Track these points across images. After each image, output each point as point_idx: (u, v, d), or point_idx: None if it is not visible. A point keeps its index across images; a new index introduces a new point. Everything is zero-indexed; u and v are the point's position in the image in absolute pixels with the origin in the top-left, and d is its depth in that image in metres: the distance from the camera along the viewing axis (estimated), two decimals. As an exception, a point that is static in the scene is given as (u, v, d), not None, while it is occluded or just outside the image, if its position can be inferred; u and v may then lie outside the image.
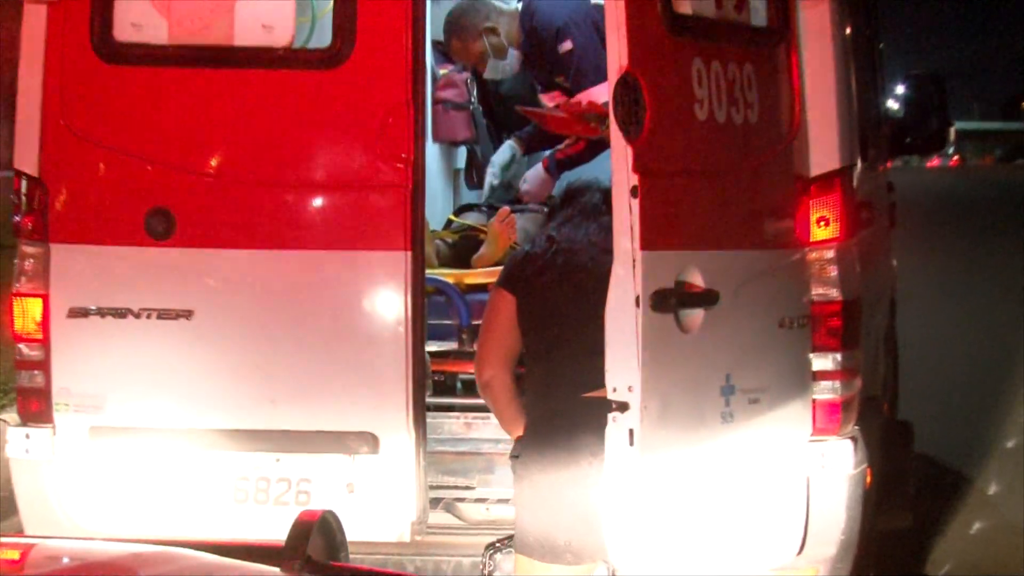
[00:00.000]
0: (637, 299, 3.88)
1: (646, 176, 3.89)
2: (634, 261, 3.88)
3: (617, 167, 3.92)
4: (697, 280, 4.08)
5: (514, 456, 4.34)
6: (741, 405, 4.20)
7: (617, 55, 3.91)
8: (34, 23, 4.52)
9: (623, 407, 3.87)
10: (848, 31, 4.66)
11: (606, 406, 3.90)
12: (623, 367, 3.89)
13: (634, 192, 3.87)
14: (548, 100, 6.49)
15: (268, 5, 4.50)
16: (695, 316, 4.06)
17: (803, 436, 4.44)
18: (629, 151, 3.89)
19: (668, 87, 4.02)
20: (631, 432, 3.86)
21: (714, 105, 4.15)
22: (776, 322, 4.40)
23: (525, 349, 4.42)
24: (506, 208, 5.93)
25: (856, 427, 4.53)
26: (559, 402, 4.29)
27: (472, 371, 5.06)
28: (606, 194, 4.17)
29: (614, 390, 3.89)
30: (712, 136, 4.17)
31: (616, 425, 3.88)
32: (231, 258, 4.53)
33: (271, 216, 4.52)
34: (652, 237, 3.90)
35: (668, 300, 3.95)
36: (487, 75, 6.56)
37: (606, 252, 4.00)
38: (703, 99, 4.12)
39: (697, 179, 4.17)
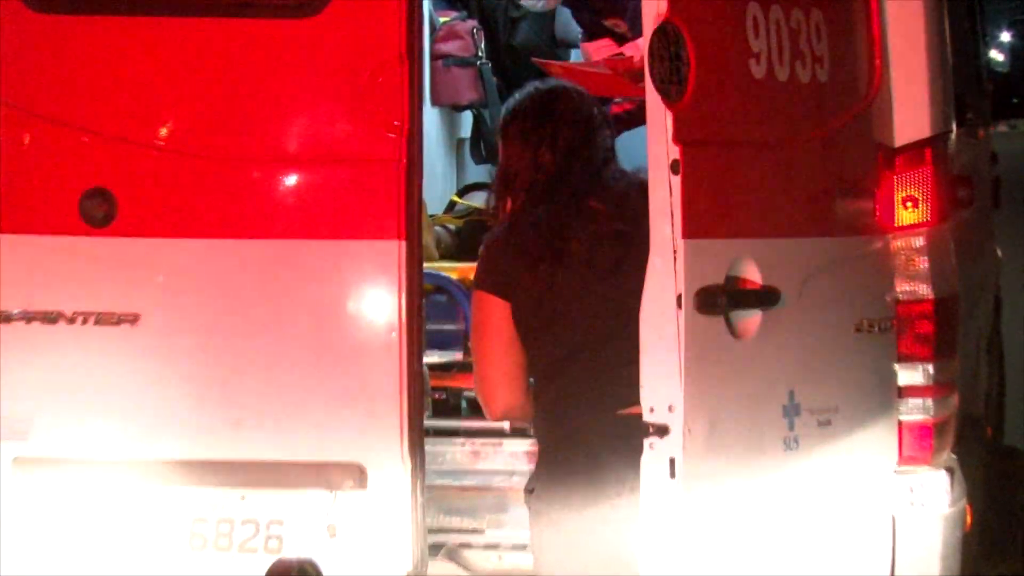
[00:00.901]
0: (679, 298, 3.89)
1: (690, 148, 3.90)
2: (675, 252, 3.89)
3: (654, 137, 3.93)
4: (753, 275, 4.09)
5: (529, 490, 4.36)
6: (808, 428, 4.22)
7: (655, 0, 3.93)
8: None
9: (662, 431, 3.88)
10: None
11: (640, 428, 3.91)
12: (662, 382, 3.90)
13: (675, 168, 3.89)
14: (593, 51, 6.49)
15: (229, -60, 4.51)
16: (751, 319, 4.07)
17: (887, 466, 4.46)
18: (669, 117, 3.90)
19: (717, 38, 4.03)
20: (672, 462, 3.88)
21: (774, 60, 4.16)
22: (852, 326, 4.42)
23: (531, 363, 4.43)
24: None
25: (953, 455, 4.55)
26: (580, 422, 4.31)
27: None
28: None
29: (651, 410, 3.90)
30: (772, 98, 4.19)
31: (654, 453, 3.89)
32: (186, 249, 4.53)
33: (234, 198, 4.54)
34: (697, 222, 3.92)
35: (717, 299, 3.96)
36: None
37: (623, 221, 4.02)
38: (760, 52, 4.13)
39: (753, 151, 4.18)
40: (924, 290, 4.45)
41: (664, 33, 3.92)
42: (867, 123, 4.47)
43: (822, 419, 4.26)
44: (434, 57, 6.94)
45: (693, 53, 3.90)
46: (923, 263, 4.45)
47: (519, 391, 4.41)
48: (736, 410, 4.08)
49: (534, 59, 6.57)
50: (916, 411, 4.45)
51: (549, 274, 4.34)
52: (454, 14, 7.16)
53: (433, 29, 6.97)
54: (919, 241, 4.46)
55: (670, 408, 3.88)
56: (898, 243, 4.47)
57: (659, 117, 3.92)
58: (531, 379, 4.45)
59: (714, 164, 4.03)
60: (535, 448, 4.53)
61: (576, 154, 4.45)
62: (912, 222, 4.47)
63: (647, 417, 3.90)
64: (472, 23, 7.13)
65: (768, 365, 4.16)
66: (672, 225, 3.89)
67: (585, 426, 4.30)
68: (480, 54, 7.10)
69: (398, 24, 4.44)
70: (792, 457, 4.20)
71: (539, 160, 4.47)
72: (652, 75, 3.93)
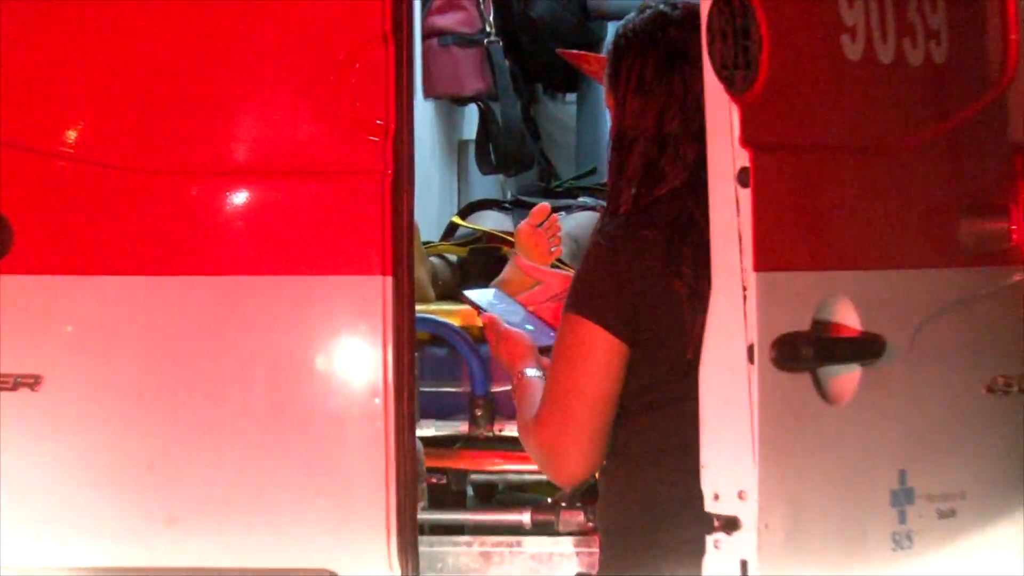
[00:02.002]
0: (751, 350, 3.90)
1: (763, 152, 3.93)
2: (744, 288, 3.91)
3: (715, 139, 3.96)
4: (850, 318, 4.10)
5: None
6: (925, 521, 4.23)
7: None
8: None
9: (731, 525, 3.91)
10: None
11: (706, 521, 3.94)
12: (730, 460, 3.92)
13: (743, 178, 3.91)
14: None
15: None
16: (847, 377, 4.09)
17: (1041, 571, 4.47)
18: (735, 112, 3.92)
19: (799, 8, 4.06)
20: (744, 565, 3.89)
21: (875, 35, 4.19)
22: (983, 385, 4.42)
23: (627, 415, 4.40)
24: (544, 205, 5.93)
25: None
26: (674, 509, 4.29)
27: (493, 468, 5.07)
28: None
29: (716, 497, 3.93)
30: (873, 86, 4.21)
31: (720, 554, 3.91)
32: (104, 290, 4.54)
33: (170, 222, 4.54)
34: (774, 250, 3.95)
35: (802, 351, 3.97)
36: None
37: None
38: (856, 26, 4.16)
39: (848, 156, 4.20)
40: None
41: (728, 3, 3.94)
42: (1001, 117, 4.51)
43: (944, 509, 4.27)
44: (427, 34, 7.00)
45: (766, 27, 3.94)
46: None
47: (599, 454, 4.37)
48: (829, 498, 4.09)
49: (559, 50, 6.54)
50: None
51: (678, 312, 4.30)
52: (453, -23, 7.21)
53: (425, -2, 7.02)
54: None
55: (740, 495, 3.90)
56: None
57: (722, 113, 3.95)
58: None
59: (796, 173, 4.05)
60: (588, 544, 4.55)
61: None
62: None
63: (710, 507, 3.92)
64: (477, -12, 7.17)
65: (871, 437, 4.16)
66: (740, 252, 3.91)
67: (681, 514, 4.25)
68: (488, 29, 7.14)
69: None
70: (905, 559, 4.20)
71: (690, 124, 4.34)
72: (712, 58, 3.95)
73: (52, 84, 4.55)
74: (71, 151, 4.55)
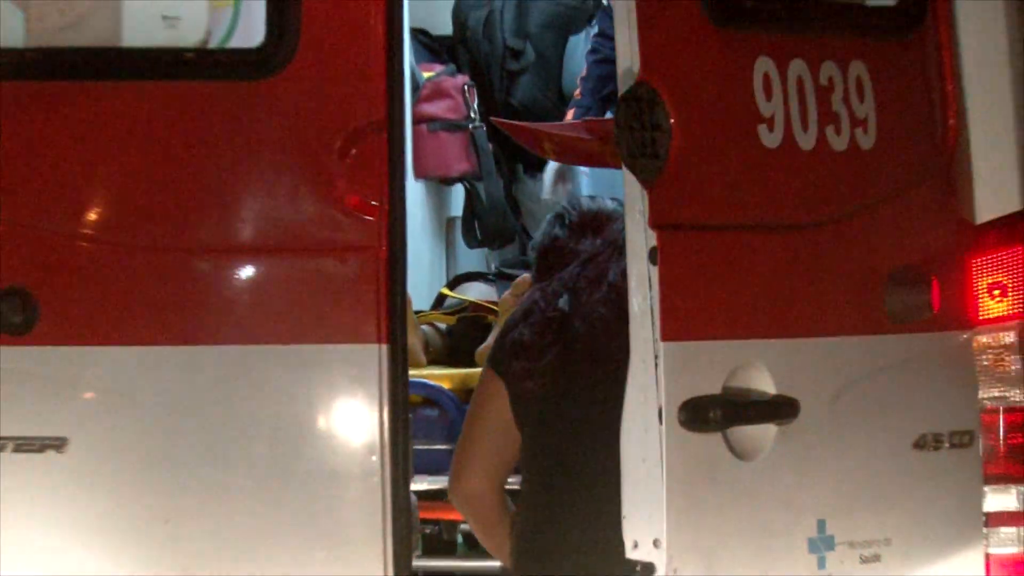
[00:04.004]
0: (660, 412, 3.94)
1: (672, 233, 3.97)
2: (656, 356, 3.94)
3: (631, 220, 3.98)
4: (763, 383, 4.13)
5: None
6: (847, 565, 4.25)
7: (627, 56, 3.98)
8: None
9: (647, 569, 3.94)
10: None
11: (628, 567, 3.97)
12: (644, 511, 3.95)
13: (652, 257, 3.93)
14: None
15: (169, -15, 4.55)
16: (759, 436, 4.12)
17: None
18: (644, 197, 3.95)
19: (710, 102, 4.09)
20: None
21: (794, 125, 4.20)
22: (909, 442, 4.42)
23: (522, 462, 4.53)
24: (526, 276, 5.93)
25: (1062, 598, 4.53)
26: (575, 562, 4.39)
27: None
28: None
29: (635, 545, 3.96)
30: (791, 170, 4.23)
31: None
32: (122, 359, 4.53)
33: (179, 296, 4.53)
34: (682, 321, 3.98)
35: (708, 414, 4.00)
36: None
37: None
38: (773, 117, 4.18)
39: (765, 234, 4.23)
40: (1017, 396, 4.44)
41: (636, 98, 3.96)
42: (939, 195, 4.50)
43: (867, 554, 4.29)
44: (417, 120, 7.01)
45: (675, 122, 3.96)
46: (1015, 363, 4.44)
47: (493, 482, 4.61)
48: (744, 546, 4.12)
49: (493, 119, 6.55)
50: (1008, 543, 4.44)
51: (557, 366, 4.43)
52: (440, 68, 7.23)
53: (416, 87, 7.04)
54: (1010, 337, 4.46)
55: (655, 543, 3.93)
56: (983, 339, 4.47)
57: (634, 195, 3.97)
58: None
59: (706, 252, 4.08)
60: None
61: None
62: (1000, 314, 4.47)
63: (630, 553, 3.95)
64: (463, 79, 7.19)
65: (787, 491, 4.19)
66: (652, 324, 3.94)
67: (575, 561, 4.41)
68: (473, 116, 7.15)
69: (375, 83, 4.47)
70: None
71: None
72: (621, 148, 3.97)
73: (73, 172, 4.54)
74: (90, 232, 4.54)
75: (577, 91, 6.69)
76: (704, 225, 4.04)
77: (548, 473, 4.45)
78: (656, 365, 3.92)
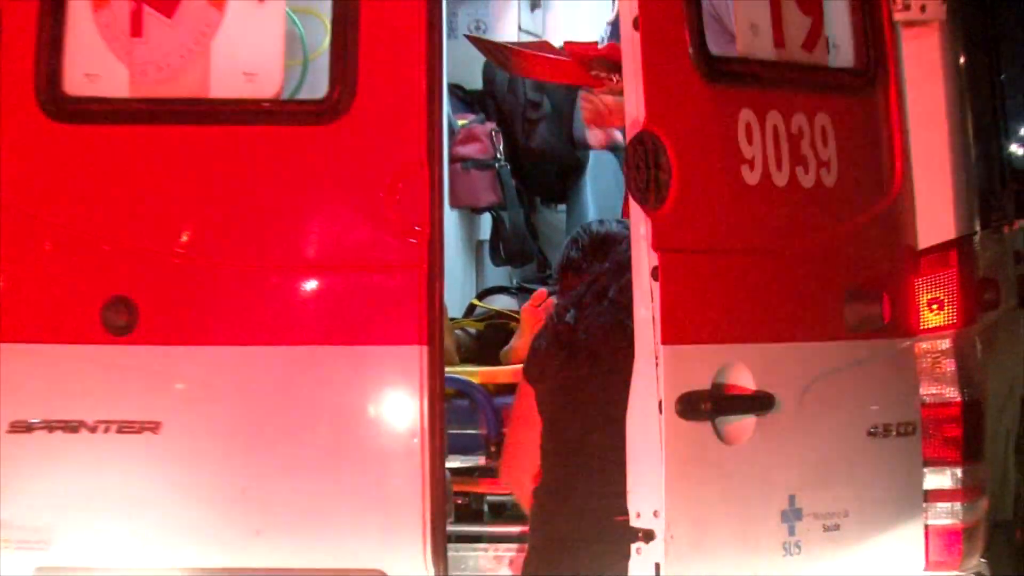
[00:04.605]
0: (660, 404, 3.95)
1: (670, 255, 3.98)
2: (656, 358, 3.96)
3: (636, 243, 4.00)
4: (744, 380, 4.13)
5: None
6: (812, 533, 4.24)
7: (634, 107, 4.00)
8: (-34, 75, 4.57)
9: (647, 536, 3.95)
10: (963, 63, 4.70)
11: (631, 533, 3.97)
12: (646, 487, 3.96)
13: (654, 274, 3.95)
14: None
15: (250, 48, 4.54)
16: (741, 425, 4.12)
17: (913, 572, 4.44)
18: (648, 224, 3.97)
19: (701, 146, 4.09)
20: (657, 567, 3.93)
21: (770, 166, 4.21)
22: (865, 430, 4.41)
23: (542, 451, 4.51)
24: (543, 290, 5.96)
25: (983, 560, 4.53)
26: (574, 526, 4.38)
27: (504, 493, 5.11)
28: None
29: (637, 515, 3.96)
30: (767, 203, 4.23)
31: (640, 558, 3.95)
32: (207, 357, 4.54)
33: (255, 305, 4.55)
34: (678, 329, 3.99)
35: (700, 406, 4.01)
36: None
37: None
38: (754, 159, 4.19)
39: (745, 256, 4.23)
40: (951, 393, 4.44)
41: (642, 143, 3.98)
42: (887, 225, 4.49)
43: (829, 524, 4.28)
44: (453, 160, 6.97)
45: (674, 162, 3.98)
46: (949, 366, 4.45)
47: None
48: (727, 516, 4.12)
49: (466, 35, 6.49)
50: (944, 516, 4.44)
51: (574, 370, 4.46)
52: (472, 117, 7.20)
53: (452, 132, 7.02)
54: (945, 344, 4.47)
55: (655, 513, 3.94)
56: (924, 346, 4.47)
57: (640, 223, 4.00)
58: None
59: (699, 271, 4.08)
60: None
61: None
62: (938, 325, 4.47)
63: (633, 522, 3.96)
64: (490, 125, 7.17)
65: (763, 470, 4.18)
66: (653, 330, 3.96)
67: (580, 530, 4.38)
68: (499, 156, 7.13)
69: (419, 129, 4.47)
70: (793, 562, 4.21)
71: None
72: (630, 184, 4.00)
73: (168, 201, 4.56)
74: (182, 251, 4.56)
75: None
76: (697, 248, 4.05)
77: (558, 452, 4.46)
78: (657, 365, 3.94)
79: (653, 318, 3.95)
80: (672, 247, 3.97)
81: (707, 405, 4.02)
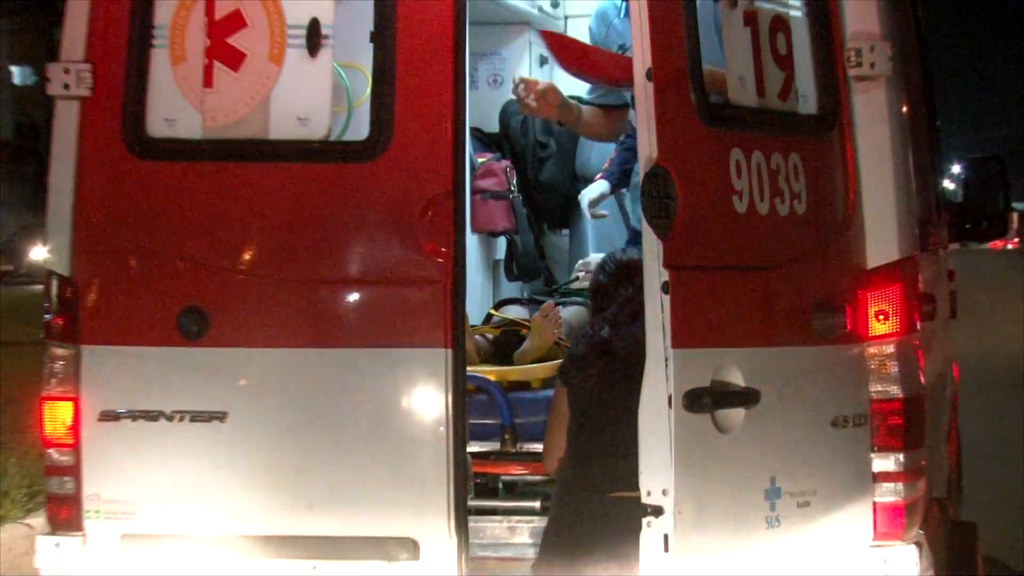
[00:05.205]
0: (669, 398, 3.95)
1: (678, 272, 3.97)
2: (666, 360, 3.96)
3: (649, 261, 4.00)
4: (736, 378, 4.12)
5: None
6: (789, 509, 4.22)
7: (647, 146, 4.00)
8: (65, 119, 4.57)
9: (657, 511, 3.94)
10: (905, 112, 4.68)
11: (636, 509, 3.96)
12: (656, 469, 3.96)
13: (665, 288, 3.96)
14: None
15: (303, 97, 4.53)
16: (734, 416, 4.10)
17: (864, 541, 4.41)
18: (659, 245, 3.98)
19: (702, 179, 4.09)
20: (666, 537, 3.93)
21: (755, 197, 4.20)
22: (828, 421, 4.39)
23: (568, 436, 4.55)
24: (550, 302, 5.97)
25: (921, 531, 4.50)
26: (589, 500, 4.41)
27: (515, 473, 5.10)
28: None
29: (648, 493, 3.96)
30: (753, 228, 4.22)
31: (651, 531, 3.94)
32: (266, 357, 4.54)
33: (306, 313, 4.54)
34: (684, 334, 3.98)
35: (703, 400, 4.01)
36: None
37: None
38: (742, 191, 4.18)
39: (735, 274, 4.22)
40: (895, 390, 4.42)
41: (655, 175, 3.98)
42: (845, 248, 4.45)
43: (801, 501, 4.26)
44: (473, 192, 6.96)
45: (681, 192, 3.97)
46: (894, 367, 4.42)
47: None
48: (722, 493, 4.11)
49: (540, 31, 6.43)
50: (889, 494, 4.41)
51: (602, 374, 4.52)
52: (490, 155, 7.18)
53: (473, 168, 7.01)
54: (890, 348, 4.44)
55: (664, 492, 3.95)
56: (872, 350, 4.43)
57: (652, 244, 4.00)
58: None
59: (700, 285, 4.08)
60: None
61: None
62: (884, 332, 4.45)
63: (644, 499, 3.96)
64: (505, 163, 7.16)
65: (751, 455, 4.17)
66: (663, 336, 3.96)
67: (589, 504, 4.41)
68: (512, 189, 7.12)
69: (446, 166, 4.46)
70: (774, 534, 4.20)
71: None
72: (645, 210, 3.99)
73: (234, 225, 4.57)
74: (245, 267, 4.57)
75: (606, 164, 6.66)
76: (698, 266, 4.05)
77: (582, 440, 4.49)
78: (667, 365, 3.95)
79: (663, 325, 3.95)
80: (679, 264, 3.97)
81: (708, 400, 4.01)
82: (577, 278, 6.59)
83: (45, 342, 4.64)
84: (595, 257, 6.50)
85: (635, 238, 5.94)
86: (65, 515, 4.59)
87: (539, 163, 7.28)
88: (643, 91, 4.01)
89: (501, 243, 7.35)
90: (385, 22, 4.47)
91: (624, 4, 5.64)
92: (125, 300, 4.60)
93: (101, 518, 4.57)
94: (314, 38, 4.51)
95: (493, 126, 7.38)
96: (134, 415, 4.55)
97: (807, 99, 4.44)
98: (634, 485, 4.01)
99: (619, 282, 4.75)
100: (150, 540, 4.55)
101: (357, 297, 4.56)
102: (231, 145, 4.55)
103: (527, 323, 5.98)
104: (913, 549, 4.43)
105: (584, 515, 4.40)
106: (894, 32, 4.55)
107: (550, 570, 4.42)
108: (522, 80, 5.61)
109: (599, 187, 6.58)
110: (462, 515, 4.46)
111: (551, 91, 5.75)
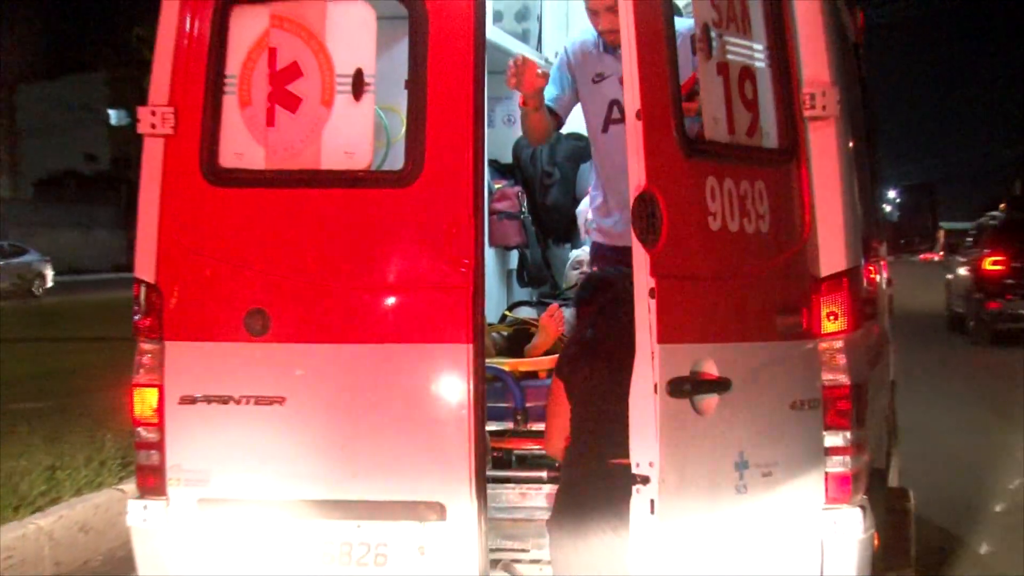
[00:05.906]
0: (655, 386, 3.92)
1: (662, 279, 3.94)
2: (652, 353, 3.93)
3: (638, 271, 3.98)
4: (711, 369, 4.08)
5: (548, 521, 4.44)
6: (754, 478, 4.19)
7: (637, 174, 3.97)
8: (153, 153, 4.59)
9: (645, 480, 3.92)
10: (851, 146, 4.65)
11: (622, 477, 3.95)
12: (644, 445, 3.93)
13: (651, 294, 3.93)
14: None
15: (350, 133, 4.52)
16: (709, 400, 4.07)
17: (817, 505, 4.39)
18: (647, 258, 3.96)
19: (683, 202, 4.05)
20: (652, 502, 3.91)
21: (727, 217, 4.17)
22: (788, 404, 4.36)
23: (571, 423, 4.50)
24: (555, 304, 5.94)
25: (864, 496, 4.47)
26: (592, 470, 4.36)
27: (526, 448, 5.07)
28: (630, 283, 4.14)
29: (637, 465, 3.94)
30: (725, 244, 4.19)
31: (639, 496, 3.93)
32: (318, 351, 4.52)
33: (351, 314, 4.52)
34: (668, 332, 3.94)
35: (683, 387, 3.98)
36: None
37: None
38: (716, 212, 4.14)
39: (711, 281, 4.18)
40: (843, 379, 4.39)
41: (644, 199, 3.96)
42: (801, 260, 4.42)
43: (765, 471, 4.22)
44: (491, 213, 6.97)
45: (665, 213, 3.95)
46: (842, 359, 4.40)
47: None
48: (699, 465, 4.07)
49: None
50: (838, 465, 4.39)
51: (590, 366, 4.45)
52: (504, 182, 7.19)
53: (490, 193, 7.01)
54: (839, 344, 4.41)
55: (650, 464, 3.92)
56: (824, 345, 4.41)
57: (641, 257, 3.97)
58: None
59: (682, 291, 4.04)
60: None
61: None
62: (834, 330, 4.42)
63: (634, 470, 3.95)
64: (517, 188, 7.16)
65: (723, 433, 4.13)
66: (650, 334, 3.93)
67: (592, 473, 4.36)
68: (523, 210, 7.13)
69: (468, 192, 4.45)
70: (743, 499, 4.17)
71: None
72: (635, 228, 3.98)
73: (290, 241, 4.54)
74: (301, 276, 4.51)
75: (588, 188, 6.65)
76: (680, 275, 4.01)
77: (583, 424, 4.45)
78: (653, 358, 3.92)
79: (650, 325, 3.92)
80: (664, 274, 3.94)
81: (688, 387, 3.99)
82: (576, 284, 6.56)
83: (134, 339, 4.66)
84: (584, 251, 6.43)
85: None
86: (151, 482, 4.60)
87: (545, 189, 7.28)
88: (633, 128, 3.99)
89: (514, 255, 7.36)
90: (418, 72, 4.46)
91: (601, 39, 5.57)
92: (200, 303, 4.59)
93: (181, 485, 4.57)
94: (359, 85, 4.51)
95: (507, 158, 7.38)
96: (208, 399, 4.54)
97: (770, 135, 4.41)
98: (627, 455, 3.99)
99: (597, 293, 4.72)
100: (221, 503, 4.55)
101: (393, 301, 4.53)
102: (289, 174, 4.54)
103: (535, 322, 5.96)
104: (858, 511, 4.40)
105: (589, 479, 4.37)
106: (842, 80, 4.53)
107: (561, 524, 4.37)
108: (523, 58, 5.41)
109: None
110: (482, 483, 4.45)
111: (541, 78, 5.47)
